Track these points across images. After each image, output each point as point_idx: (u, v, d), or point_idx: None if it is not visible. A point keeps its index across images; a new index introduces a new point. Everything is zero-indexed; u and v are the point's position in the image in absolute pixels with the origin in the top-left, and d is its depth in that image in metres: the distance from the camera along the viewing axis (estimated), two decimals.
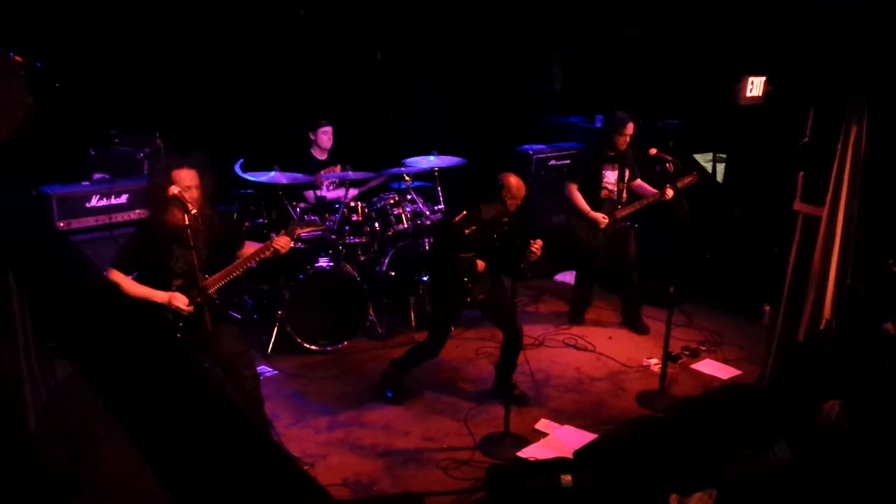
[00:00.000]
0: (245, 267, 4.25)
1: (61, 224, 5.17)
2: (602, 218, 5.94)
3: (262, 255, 4.23)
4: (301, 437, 4.52)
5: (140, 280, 4.04)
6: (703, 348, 5.85)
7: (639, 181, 6.13)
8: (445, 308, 4.97)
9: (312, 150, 6.39)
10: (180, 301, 3.98)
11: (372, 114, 7.42)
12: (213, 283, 4.05)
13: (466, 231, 4.69)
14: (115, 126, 6.13)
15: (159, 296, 3.97)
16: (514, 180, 4.71)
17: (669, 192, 5.78)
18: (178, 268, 4.04)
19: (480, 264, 4.76)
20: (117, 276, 3.98)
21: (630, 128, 5.90)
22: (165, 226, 3.97)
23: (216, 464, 2.15)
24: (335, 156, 6.46)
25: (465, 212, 4.73)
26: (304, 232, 4.66)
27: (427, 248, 6.08)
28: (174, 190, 3.93)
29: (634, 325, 6.27)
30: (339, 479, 4.10)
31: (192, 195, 3.98)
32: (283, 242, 4.23)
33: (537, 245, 4.66)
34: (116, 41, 6.16)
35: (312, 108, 6.69)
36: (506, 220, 4.71)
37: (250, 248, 4.30)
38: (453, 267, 4.74)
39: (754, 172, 6.56)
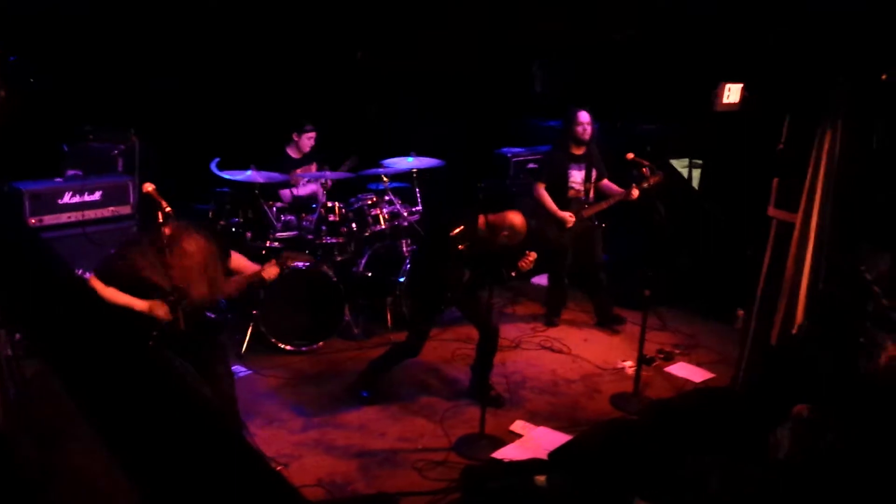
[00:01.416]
0: (229, 293, 4.24)
1: (33, 220, 5.10)
2: (569, 217, 5.98)
3: (249, 282, 4.24)
4: (275, 438, 4.49)
5: (121, 288, 3.97)
6: (677, 351, 5.90)
7: (606, 181, 6.18)
8: (426, 309, 4.97)
9: (288, 150, 6.36)
10: (161, 311, 3.92)
11: (351, 114, 7.40)
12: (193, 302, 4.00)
13: (460, 247, 4.69)
14: (89, 122, 6.06)
15: (139, 304, 3.91)
16: (519, 222, 4.72)
17: (635, 192, 5.84)
18: (157, 280, 3.95)
19: (466, 275, 4.78)
20: (97, 284, 3.91)
21: (583, 116, 5.96)
22: (156, 246, 3.91)
23: (187, 463, 2.12)
24: (311, 155, 6.43)
25: (462, 227, 4.71)
26: (295, 263, 4.67)
27: (405, 248, 6.08)
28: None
29: (610, 321, 6.36)
30: (314, 480, 4.07)
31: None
32: (272, 273, 4.22)
33: (531, 257, 4.70)
34: (92, 36, 6.10)
35: (290, 106, 6.66)
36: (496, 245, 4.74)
37: (237, 258, 4.29)
38: (441, 278, 4.75)
39: (730, 178, 6.62)
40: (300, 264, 5.51)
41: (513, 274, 4.74)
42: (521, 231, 4.73)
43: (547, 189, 6.09)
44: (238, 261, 4.35)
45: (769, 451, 3.63)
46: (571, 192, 6.09)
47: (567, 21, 7.27)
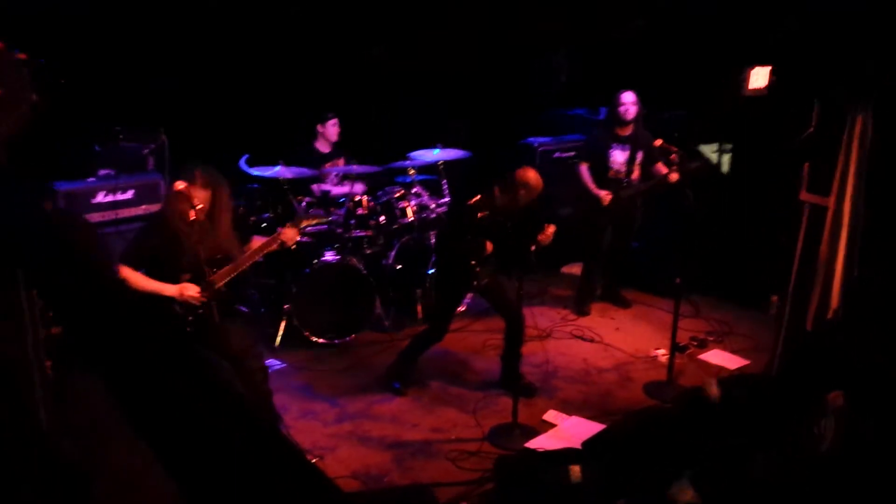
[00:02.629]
0: (252, 260, 4.27)
1: None
2: (605, 195, 5.94)
3: (269, 249, 4.27)
4: (310, 430, 4.54)
5: (149, 275, 4.05)
6: (711, 339, 5.85)
7: (659, 164, 6.09)
8: (451, 291, 4.98)
9: (316, 144, 6.39)
10: (192, 291, 3.99)
11: (377, 107, 7.41)
12: (221, 277, 4.07)
13: (479, 214, 4.70)
14: (119, 122, 6.14)
15: (169, 289, 3.98)
16: (533, 176, 4.71)
17: (674, 176, 5.74)
18: (185, 262, 4.04)
19: (489, 246, 4.76)
20: (126, 272, 3.99)
21: (627, 95, 5.91)
22: (175, 220, 3.99)
23: (225, 459, 2.16)
24: (339, 149, 6.46)
25: (479, 195, 4.74)
26: (309, 224, 4.70)
27: (433, 240, 6.09)
28: (180, 185, 3.95)
29: (616, 299, 6.54)
30: (349, 472, 4.12)
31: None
32: (289, 235, 4.28)
33: (550, 230, 4.68)
34: (121, 37, 6.17)
35: (316, 102, 6.68)
36: (520, 207, 4.73)
37: (257, 242, 4.33)
38: (462, 249, 4.74)
39: (760, 163, 6.54)
40: (332, 258, 5.56)
41: (532, 249, 4.71)
42: (535, 185, 4.70)
43: (590, 170, 6.08)
44: (257, 242, 4.39)
45: (811, 443, 3.59)
46: (611, 173, 6.05)
47: (589, 10, 7.23)
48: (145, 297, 3.94)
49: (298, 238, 4.38)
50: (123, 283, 3.82)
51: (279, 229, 4.36)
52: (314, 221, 4.81)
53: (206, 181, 4.04)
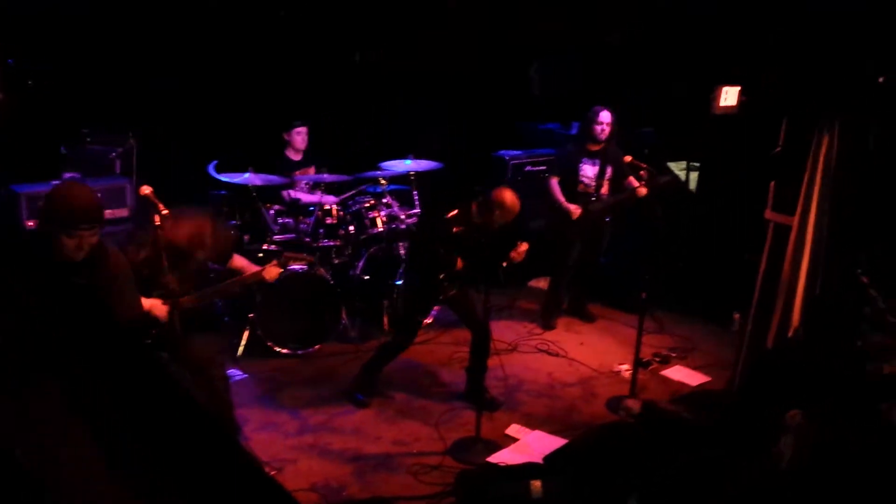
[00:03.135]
0: (229, 292, 4.24)
1: (30, 223, 5.10)
2: (574, 209, 5.98)
3: (248, 282, 4.25)
4: (270, 442, 4.48)
5: None
6: (674, 355, 5.90)
7: (630, 178, 6.12)
8: (418, 301, 4.97)
9: (287, 152, 6.36)
10: (160, 311, 3.91)
11: (348, 116, 7.40)
12: (192, 301, 4.01)
13: (455, 229, 4.70)
14: (87, 125, 6.07)
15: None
16: (509, 198, 4.72)
17: (642, 190, 5.81)
18: (161, 280, 3.95)
19: (459, 263, 4.77)
20: None
21: (604, 115, 5.94)
22: (161, 241, 3.92)
23: (181, 468, 2.11)
24: (310, 157, 6.43)
25: (457, 210, 4.75)
26: (295, 264, 4.69)
27: (402, 251, 6.07)
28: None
29: (583, 314, 6.58)
30: (308, 484, 4.07)
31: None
32: (273, 274, 4.25)
33: (523, 248, 4.70)
34: (90, 39, 6.10)
35: (289, 109, 6.66)
36: (494, 228, 4.74)
37: (239, 261, 4.30)
38: (434, 261, 4.74)
39: (727, 181, 6.62)
40: (298, 267, 5.51)
41: (504, 265, 4.73)
42: (511, 206, 4.72)
43: (560, 184, 6.11)
44: (239, 262, 4.36)
45: (771, 460, 3.62)
46: (581, 187, 6.08)
47: (564, 22, 7.28)
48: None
49: (278, 276, 4.35)
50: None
51: (264, 267, 4.30)
52: (300, 262, 4.79)
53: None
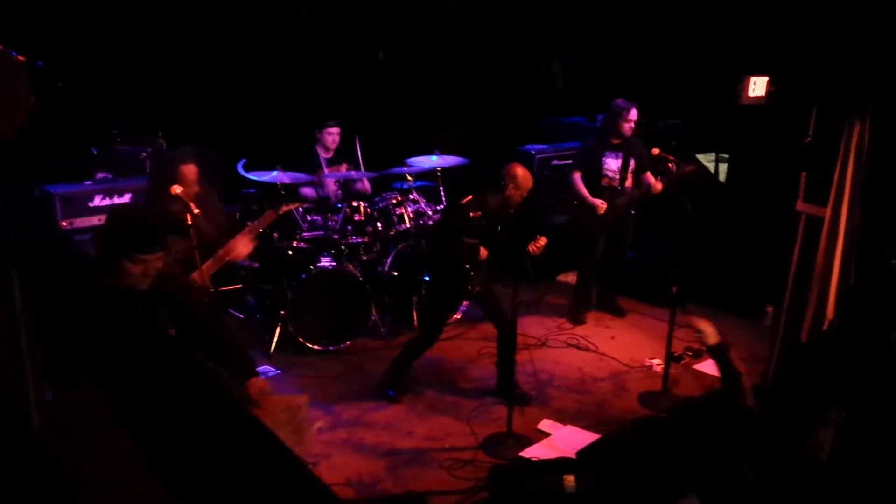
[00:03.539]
0: (232, 252, 4.24)
1: (64, 223, 5.18)
2: (601, 203, 5.95)
3: (253, 233, 4.29)
4: None
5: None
6: (706, 348, 5.83)
7: (648, 173, 6.11)
8: (445, 296, 4.98)
9: (318, 148, 6.40)
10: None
11: (375, 113, 7.42)
12: (207, 270, 4.04)
13: (472, 214, 4.70)
14: (116, 125, 6.13)
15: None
16: (520, 170, 4.74)
17: (658, 186, 5.83)
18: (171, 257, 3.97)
19: (483, 252, 4.76)
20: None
21: (633, 113, 5.92)
22: (164, 215, 3.96)
23: (219, 464, 2.14)
24: (341, 155, 6.47)
25: (471, 196, 4.75)
26: (288, 209, 4.73)
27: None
28: (177, 189, 3.94)
29: (612, 308, 6.55)
30: (343, 479, 4.10)
31: (193, 191, 4.00)
32: (269, 216, 4.39)
33: (541, 242, 4.68)
34: (119, 39, 6.16)
35: (316, 107, 6.69)
36: (511, 211, 4.73)
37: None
38: (456, 251, 4.74)
39: (757, 173, 6.56)
40: (328, 264, 5.53)
41: (526, 258, 4.72)
42: (523, 179, 4.73)
43: (583, 178, 6.09)
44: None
45: (809, 453, 3.58)
46: (605, 181, 6.07)
47: (589, 15, 7.24)
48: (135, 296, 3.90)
49: (276, 217, 4.40)
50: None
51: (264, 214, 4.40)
52: (294, 205, 4.83)
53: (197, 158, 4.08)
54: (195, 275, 3.99)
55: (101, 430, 2.58)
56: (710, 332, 3.87)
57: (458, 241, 4.73)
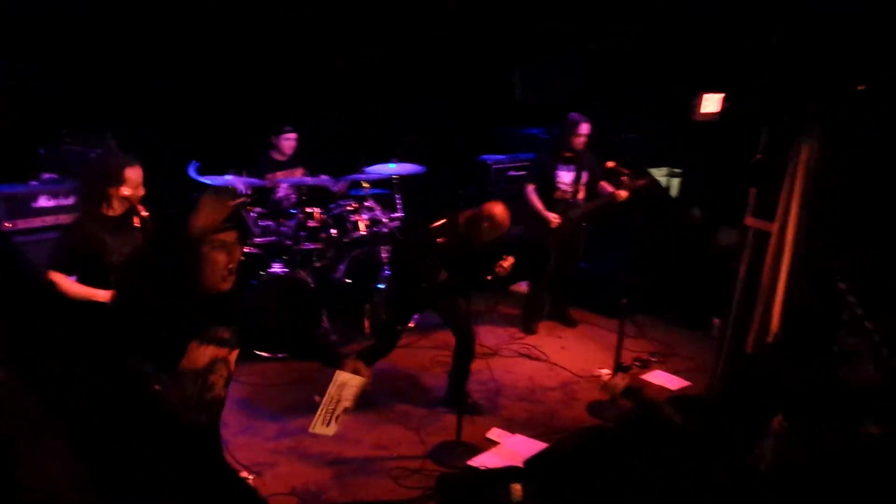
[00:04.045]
0: None
1: (6, 224, 5.04)
2: (554, 217, 6.00)
3: None
4: (249, 445, 4.45)
5: (79, 280, 3.90)
6: (654, 359, 5.88)
7: (603, 182, 6.18)
8: (400, 309, 4.96)
9: (272, 153, 6.34)
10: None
11: (332, 120, 7.38)
12: None
13: (439, 240, 4.68)
14: (65, 125, 6.00)
15: (101, 294, 3.84)
16: (499, 211, 4.72)
17: (623, 193, 5.88)
18: (114, 261, 3.89)
19: (443, 274, 4.75)
20: (57, 277, 3.83)
21: (584, 128, 6.00)
22: (102, 217, 3.88)
23: (156, 473, 2.09)
24: (298, 160, 6.42)
25: (444, 220, 4.73)
26: (237, 202, 4.68)
27: (384, 254, 6.06)
28: (125, 191, 3.86)
29: (564, 318, 6.61)
30: (288, 489, 4.04)
31: (139, 194, 3.93)
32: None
33: (508, 262, 4.71)
34: (69, 38, 6.04)
35: (272, 111, 6.63)
36: (478, 245, 4.72)
37: None
38: (417, 271, 4.73)
39: (708, 187, 6.67)
40: (280, 271, 5.46)
41: (489, 278, 4.74)
42: (501, 221, 4.71)
43: (537, 190, 6.12)
44: None
45: (752, 462, 3.63)
46: (558, 193, 6.12)
47: (547, 27, 7.29)
48: (76, 301, 3.80)
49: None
50: (54, 289, 3.70)
51: None
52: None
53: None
54: None
55: (35, 436, 2.51)
56: (616, 383, 3.92)
57: (419, 263, 4.73)
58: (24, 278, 2.34)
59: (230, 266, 2.96)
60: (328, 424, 3.13)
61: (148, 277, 3.10)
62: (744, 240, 5.91)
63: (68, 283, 3.83)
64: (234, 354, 3.17)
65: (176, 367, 3.14)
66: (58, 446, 2.09)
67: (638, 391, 3.91)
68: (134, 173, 3.95)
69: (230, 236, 2.94)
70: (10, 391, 2.48)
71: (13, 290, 2.13)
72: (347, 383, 3.14)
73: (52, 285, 3.57)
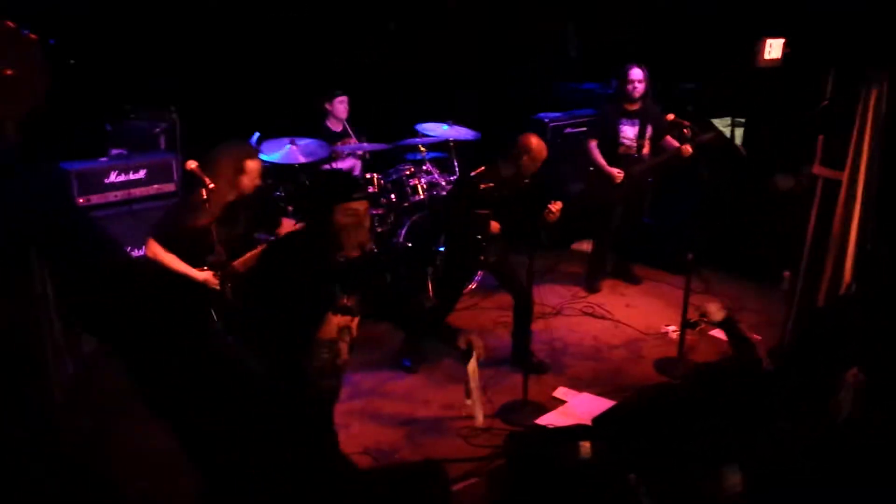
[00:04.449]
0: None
1: (81, 200, 5.20)
2: (617, 173, 5.92)
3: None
4: None
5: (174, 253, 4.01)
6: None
7: (668, 137, 6.05)
8: (458, 266, 4.99)
9: (328, 122, 6.38)
10: (214, 284, 3.96)
11: (386, 84, 7.38)
12: (242, 264, 4.06)
13: (482, 186, 4.68)
14: (129, 100, 6.14)
15: (198, 274, 3.92)
16: (535, 141, 4.70)
17: (688, 149, 5.72)
18: (217, 246, 3.98)
19: (495, 225, 4.73)
20: (157, 248, 3.92)
21: (635, 72, 5.86)
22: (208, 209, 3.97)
23: (245, 438, 2.17)
24: (351, 126, 6.45)
25: (482, 167, 4.73)
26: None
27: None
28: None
29: (628, 276, 6.54)
30: (361, 448, 4.16)
31: (256, 184, 4.05)
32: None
33: (556, 206, 4.66)
34: (129, 15, 6.16)
35: (327, 79, 6.66)
36: (525, 181, 4.70)
37: (287, 225, 4.36)
38: (467, 223, 4.73)
39: (773, 137, 6.49)
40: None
41: (541, 226, 4.70)
42: (538, 150, 4.69)
43: (599, 146, 6.05)
44: (287, 225, 4.40)
45: (829, 414, 3.59)
46: (622, 149, 6.02)
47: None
48: (168, 279, 3.91)
49: None
50: (149, 259, 3.84)
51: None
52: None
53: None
54: (237, 262, 4.02)
55: (123, 403, 2.62)
56: (715, 311, 3.87)
57: (469, 213, 4.72)
58: (112, 254, 2.44)
59: (363, 236, 3.09)
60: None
61: (294, 256, 3.23)
62: (801, 186, 5.76)
63: (167, 257, 3.93)
64: (356, 321, 3.28)
65: (313, 338, 3.26)
66: (147, 418, 2.19)
67: (735, 324, 3.86)
68: (254, 164, 4.06)
69: (362, 205, 3.06)
70: (103, 359, 2.59)
71: (102, 267, 2.23)
72: (474, 367, 3.27)
73: (140, 264, 3.70)
